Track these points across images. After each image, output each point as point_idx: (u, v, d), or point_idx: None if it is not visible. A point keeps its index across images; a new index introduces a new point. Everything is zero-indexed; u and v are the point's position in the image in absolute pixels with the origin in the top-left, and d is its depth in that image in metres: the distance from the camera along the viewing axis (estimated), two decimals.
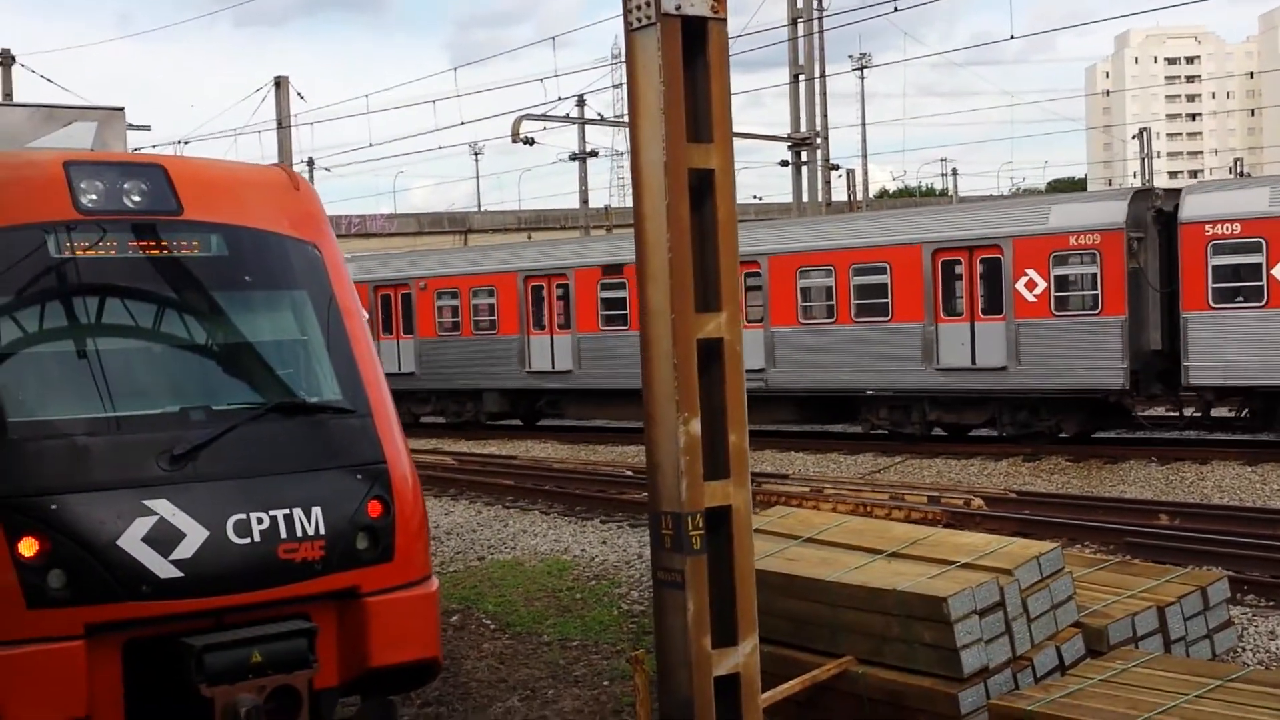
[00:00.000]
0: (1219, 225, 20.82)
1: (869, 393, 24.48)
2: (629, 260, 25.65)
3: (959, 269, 23.48)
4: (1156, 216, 21.93)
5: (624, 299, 27.78)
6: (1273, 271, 20.38)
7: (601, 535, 15.83)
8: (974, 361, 23.10)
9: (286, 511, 6.05)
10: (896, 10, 29.04)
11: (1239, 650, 9.59)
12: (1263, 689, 7.07)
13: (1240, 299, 20.77)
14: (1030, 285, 22.44)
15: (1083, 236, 22.00)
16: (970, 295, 23.27)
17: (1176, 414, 23.83)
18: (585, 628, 11.34)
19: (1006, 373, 22.69)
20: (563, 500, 19.20)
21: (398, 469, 6.52)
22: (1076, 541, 14.16)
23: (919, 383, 23.78)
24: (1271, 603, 11.29)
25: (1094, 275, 21.89)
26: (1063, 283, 22.32)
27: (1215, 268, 20.91)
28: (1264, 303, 20.43)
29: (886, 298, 24.12)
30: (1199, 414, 22.75)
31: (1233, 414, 22.54)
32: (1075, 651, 8.25)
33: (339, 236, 7.55)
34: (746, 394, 6.69)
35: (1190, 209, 21.22)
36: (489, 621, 11.81)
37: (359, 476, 6.35)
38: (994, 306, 22.97)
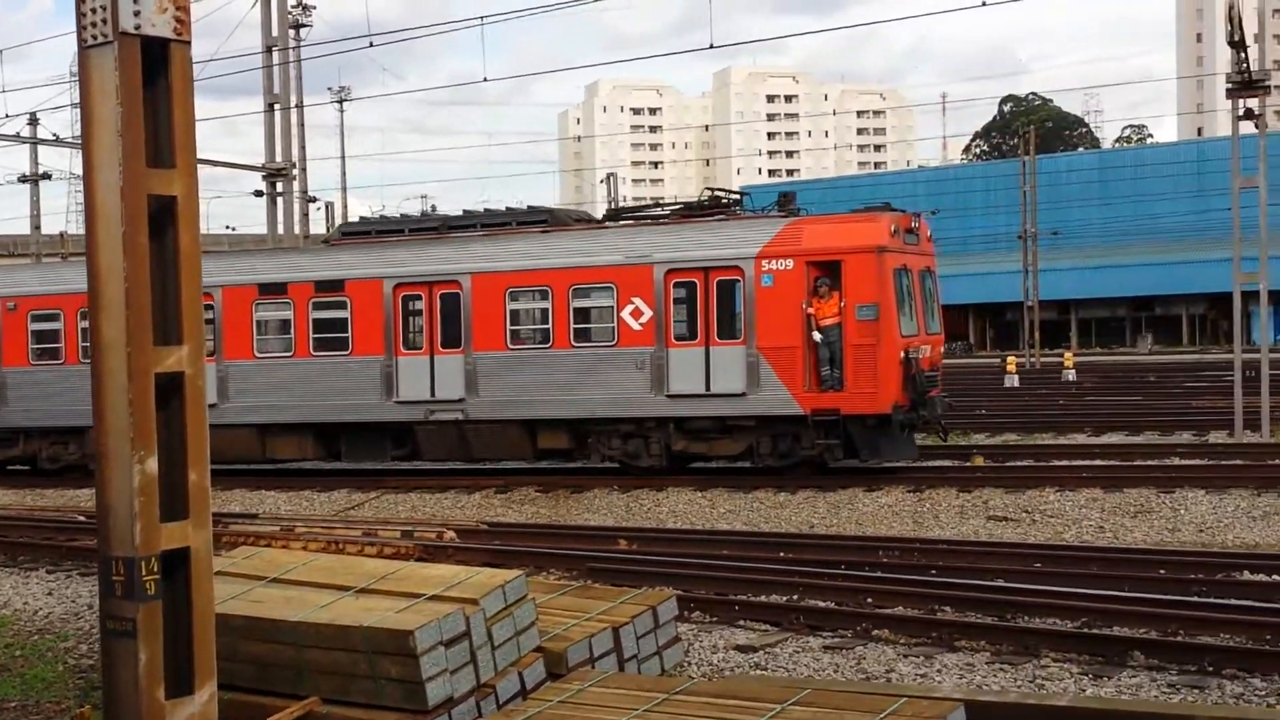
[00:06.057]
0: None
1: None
2: None
3: None
4: None
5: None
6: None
7: (48, 586, 14.77)
8: None
9: None
10: (372, 45, 29.13)
11: (685, 664, 10.29)
12: (704, 699, 7.61)
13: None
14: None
15: None
16: None
17: None
18: (25, 687, 10.46)
19: None
20: (3, 549, 17.66)
21: None
22: (543, 569, 14.67)
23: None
24: (714, 618, 12.18)
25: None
26: None
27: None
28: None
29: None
30: None
31: None
32: (536, 676, 8.56)
33: None
34: None
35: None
36: None
37: None
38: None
